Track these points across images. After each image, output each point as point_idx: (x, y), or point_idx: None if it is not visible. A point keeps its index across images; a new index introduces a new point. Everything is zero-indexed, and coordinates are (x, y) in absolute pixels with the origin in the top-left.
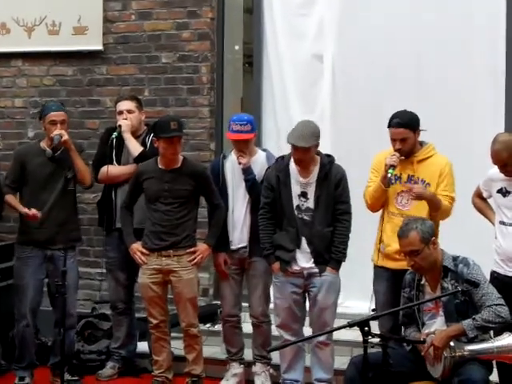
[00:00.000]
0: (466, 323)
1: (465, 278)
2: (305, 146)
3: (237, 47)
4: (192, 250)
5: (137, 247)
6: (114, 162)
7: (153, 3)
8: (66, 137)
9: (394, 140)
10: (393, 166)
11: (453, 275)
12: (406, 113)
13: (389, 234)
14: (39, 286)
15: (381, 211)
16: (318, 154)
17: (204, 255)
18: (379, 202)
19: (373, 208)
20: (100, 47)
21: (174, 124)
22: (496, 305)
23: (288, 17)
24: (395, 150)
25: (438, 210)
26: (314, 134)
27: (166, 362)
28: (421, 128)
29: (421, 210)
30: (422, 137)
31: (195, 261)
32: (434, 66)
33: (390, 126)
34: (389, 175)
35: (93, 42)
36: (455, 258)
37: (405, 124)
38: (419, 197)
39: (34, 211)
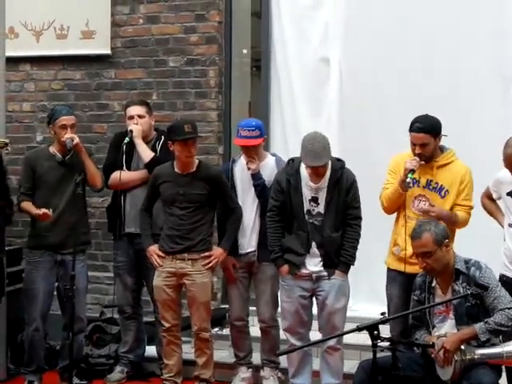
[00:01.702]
0: (479, 326)
1: (476, 282)
2: (323, 164)
3: (245, 51)
4: (207, 254)
5: (154, 250)
6: (124, 167)
7: (161, 7)
8: (77, 140)
9: (414, 144)
10: (412, 171)
11: (464, 278)
12: (427, 118)
13: (404, 238)
14: (50, 291)
15: (395, 214)
16: None
17: (219, 259)
18: (395, 205)
19: (388, 210)
20: (108, 51)
21: (187, 127)
22: (509, 308)
23: (295, 20)
24: (415, 155)
25: (454, 225)
26: (326, 147)
27: (176, 367)
28: (442, 133)
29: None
30: (442, 141)
31: (210, 265)
32: (442, 70)
33: (410, 130)
34: (408, 179)
35: (101, 46)
36: (467, 261)
37: (425, 129)
38: (437, 218)
39: (44, 210)
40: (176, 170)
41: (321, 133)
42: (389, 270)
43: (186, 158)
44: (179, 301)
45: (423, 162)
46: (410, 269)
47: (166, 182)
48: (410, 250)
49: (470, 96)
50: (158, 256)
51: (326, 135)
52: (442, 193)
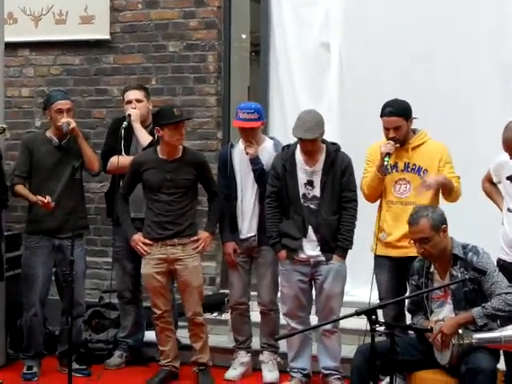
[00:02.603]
0: (476, 311)
1: (474, 267)
2: (312, 138)
3: (244, 36)
4: (196, 238)
5: (138, 238)
6: (123, 152)
7: None
8: (73, 124)
9: (387, 129)
10: (388, 154)
11: (462, 263)
12: (398, 101)
13: (390, 223)
14: (48, 276)
15: (378, 201)
16: (324, 142)
17: (206, 243)
18: (377, 192)
19: (370, 198)
20: (107, 36)
21: (177, 110)
22: (506, 293)
23: (295, 6)
24: (389, 139)
25: (451, 192)
26: (319, 123)
27: (172, 352)
28: (413, 116)
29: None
30: (415, 125)
31: (199, 249)
32: (441, 57)
33: (382, 115)
34: (385, 163)
35: (100, 31)
36: (465, 246)
37: (397, 112)
38: (437, 185)
39: (48, 199)
40: (161, 156)
41: (317, 111)
42: (376, 256)
43: (177, 142)
44: (170, 287)
45: (398, 145)
46: (397, 253)
47: (150, 169)
48: (395, 235)
49: (468, 78)
50: (145, 244)
51: (324, 118)
52: (421, 173)
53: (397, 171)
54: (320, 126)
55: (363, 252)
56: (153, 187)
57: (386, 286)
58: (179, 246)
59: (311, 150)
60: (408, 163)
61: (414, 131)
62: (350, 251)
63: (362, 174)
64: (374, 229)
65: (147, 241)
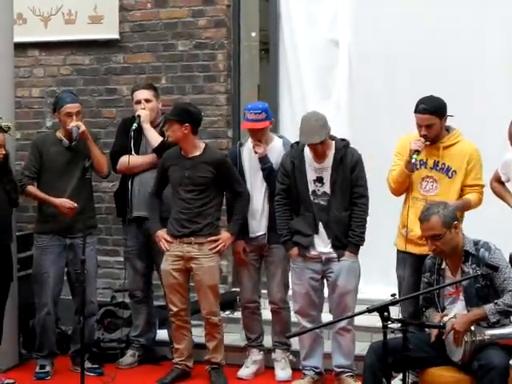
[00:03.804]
0: (488, 308)
1: (486, 263)
2: (319, 142)
3: (253, 34)
4: (214, 238)
5: (162, 234)
6: (133, 152)
7: None
8: (83, 128)
9: (419, 126)
10: (417, 151)
11: (474, 260)
12: (432, 99)
13: (412, 219)
14: (60, 275)
15: (404, 196)
16: (333, 138)
17: (226, 244)
18: (403, 187)
19: (396, 192)
20: (116, 36)
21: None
22: None
23: (304, 3)
24: (421, 136)
25: (469, 209)
26: (323, 125)
27: (186, 350)
28: (448, 114)
29: (446, 195)
30: (448, 122)
31: (217, 249)
32: (450, 54)
33: (416, 111)
34: (413, 160)
35: (109, 31)
36: (476, 243)
37: (431, 110)
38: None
39: (70, 203)
40: (182, 153)
41: (319, 112)
42: (398, 251)
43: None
44: (187, 285)
45: (428, 143)
46: (418, 250)
47: (173, 165)
48: (417, 232)
49: (477, 79)
50: (166, 240)
51: (332, 116)
52: (450, 173)
53: (425, 168)
54: (324, 128)
55: (375, 249)
56: (174, 184)
57: (407, 283)
58: (195, 245)
59: (319, 151)
60: (437, 162)
61: (448, 129)
62: (361, 248)
63: (391, 166)
64: (399, 224)
65: (168, 238)
